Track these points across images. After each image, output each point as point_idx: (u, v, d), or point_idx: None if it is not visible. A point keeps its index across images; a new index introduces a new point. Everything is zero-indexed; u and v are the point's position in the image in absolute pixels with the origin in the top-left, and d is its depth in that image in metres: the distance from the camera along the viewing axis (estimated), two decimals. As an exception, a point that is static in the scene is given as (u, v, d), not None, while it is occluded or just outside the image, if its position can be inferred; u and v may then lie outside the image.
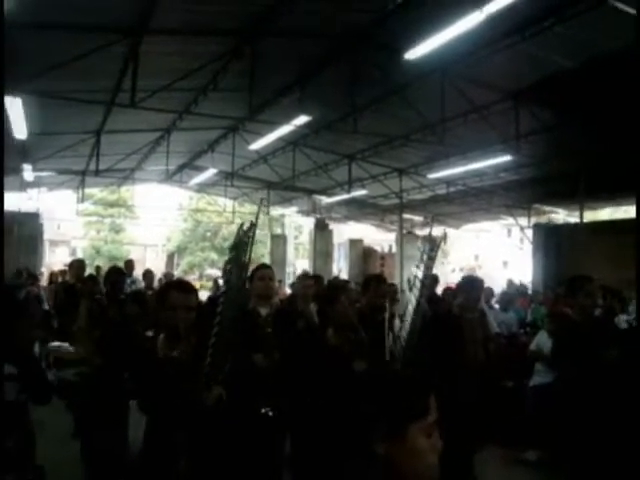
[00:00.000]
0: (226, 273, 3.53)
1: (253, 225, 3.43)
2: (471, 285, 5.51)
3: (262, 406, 4.57)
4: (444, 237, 4.99)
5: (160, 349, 3.44)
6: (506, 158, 13.07)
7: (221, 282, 3.84)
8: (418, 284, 4.31)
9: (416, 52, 8.54)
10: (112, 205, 37.05)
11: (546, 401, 6.91)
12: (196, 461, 3.34)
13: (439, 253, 4.40)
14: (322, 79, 11.35)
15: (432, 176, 16.79)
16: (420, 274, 4.33)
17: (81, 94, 11.08)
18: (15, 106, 9.89)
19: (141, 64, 9.74)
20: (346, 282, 9.23)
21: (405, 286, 12.34)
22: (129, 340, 5.23)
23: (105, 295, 6.35)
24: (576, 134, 12.22)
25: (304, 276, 8.25)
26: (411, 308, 4.29)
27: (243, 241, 3.39)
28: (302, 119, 11.58)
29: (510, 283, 14.82)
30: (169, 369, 3.33)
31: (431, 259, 4.35)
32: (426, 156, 16.38)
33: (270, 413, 4.57)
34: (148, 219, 40.25)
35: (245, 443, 4.31)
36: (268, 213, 25.90)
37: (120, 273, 6.60)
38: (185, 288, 3.54)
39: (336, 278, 15.41)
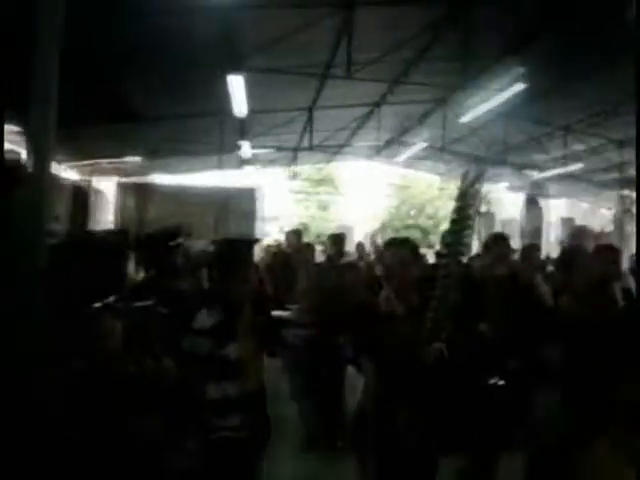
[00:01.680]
0: (450, 232, 3.43)
1: (481, 174, 3.32)
2: None
3: (490, 376, 4.44)
4: None
5: (382, 304, 3.44)
6: None
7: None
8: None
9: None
10: (320, 183, 38.05)
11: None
12: (415, 424, 3.29)
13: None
14: (539, 44, 10.69)
15: (656, 146, 15.48)
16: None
17: (296, 69, 11.35)
18: (237, 84, 10.28)
19: (354, 36, 9.82)
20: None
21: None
22: (350, 302, 5.33)
23: (326, 260, 6.51)
24: None
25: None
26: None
27: (470, 193, 3.27)
28: (517, 87, 11.05)
29: None
30: (392, 324, 3.32)
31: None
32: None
33: (500, 382, 4.43)
34: (354, 197, 40.90)
35: (467, 413, 4.21)
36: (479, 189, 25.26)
37: (342, 239, 6.69)
38: (395, 244, 3.54)
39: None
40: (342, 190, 42.74)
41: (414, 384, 3.21)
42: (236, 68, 9.91)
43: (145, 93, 11.75)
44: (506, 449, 5.51)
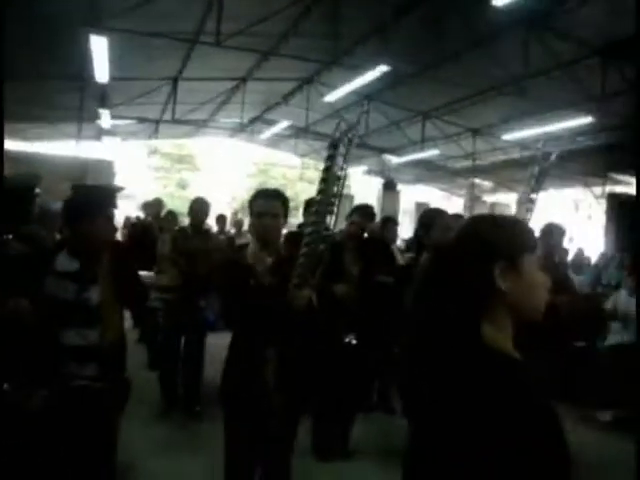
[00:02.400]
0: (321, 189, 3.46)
1: (355, 125, 3.36)
2: (552, 231, 5.44)
3: (345, 335, 4.60)
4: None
5: (249, 257, 3.41)
6: (586, 120, 12.63)
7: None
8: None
9: (504, -1, 8.25)
10: (180, 159, 37.29)
11: (622, 360, 6.76)
12: (285, 379, 3.26)
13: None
14: (403, 28, 10.87)
15: (506, 137, 16.33)
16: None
17: (163, 35, 11.03)
18: (100, 46, 9.69)
19: (224, 7, 9.71)
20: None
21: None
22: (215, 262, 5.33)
23: (190, 225, 6.46)
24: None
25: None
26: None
27: (342, 142, 3.31)
28: (380, 69, 11.22)
29: (580, 252, 14.53)
30: (259, 276, 3.30)
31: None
32: (502, 116, 15.89)
33: (354, 341, 4.59)
34: (215, 175, 40.41)
35: (330, 369, 4.33)
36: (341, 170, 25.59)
37: (207, 203, 6.59)
38: (270, 195, 3.50)
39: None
40: (203, 168, 42.13)
41: (284, 331, 3.19)
42: (99, 27, 9.46)
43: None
44: (363, 409, 5.73)
